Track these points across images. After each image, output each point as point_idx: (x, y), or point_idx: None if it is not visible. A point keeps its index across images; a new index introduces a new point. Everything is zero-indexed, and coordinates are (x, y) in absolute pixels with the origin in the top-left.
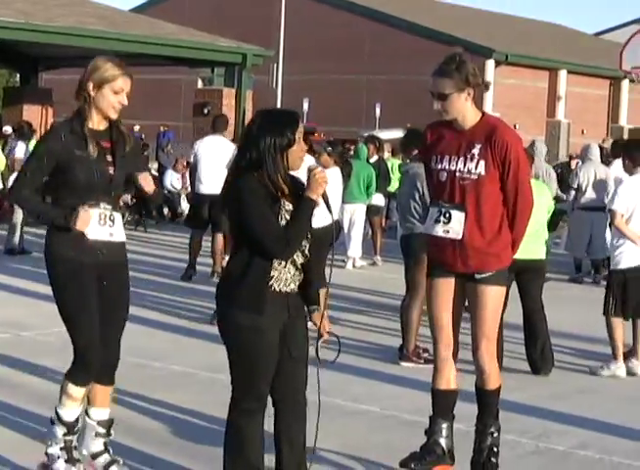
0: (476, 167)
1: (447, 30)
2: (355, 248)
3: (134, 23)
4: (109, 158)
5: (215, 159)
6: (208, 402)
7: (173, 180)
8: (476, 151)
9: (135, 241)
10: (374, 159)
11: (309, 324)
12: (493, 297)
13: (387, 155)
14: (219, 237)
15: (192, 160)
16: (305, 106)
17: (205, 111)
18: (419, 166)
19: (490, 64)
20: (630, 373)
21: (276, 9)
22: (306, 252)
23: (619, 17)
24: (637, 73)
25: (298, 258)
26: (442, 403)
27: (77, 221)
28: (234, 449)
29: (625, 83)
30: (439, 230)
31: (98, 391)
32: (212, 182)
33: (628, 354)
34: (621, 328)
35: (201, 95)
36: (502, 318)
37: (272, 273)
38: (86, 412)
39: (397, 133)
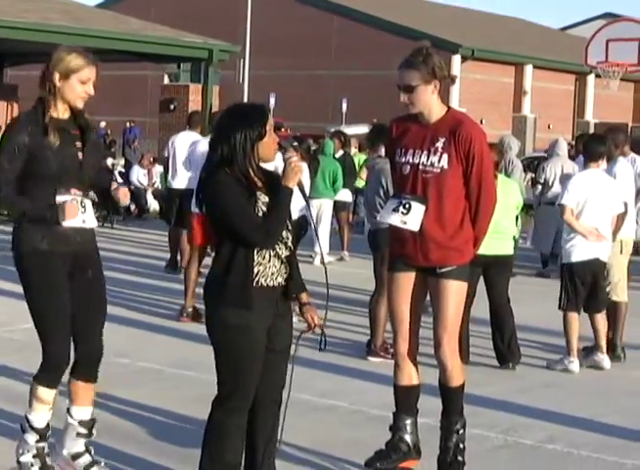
0: (439, 161)
1: (414, 26)
2: (323, 243)
3: (99, 18)
4: (78, 144)
5: (189, 154)
6: (175, 399)
7: (140, 176)
8: (440, 144)
9: (102, 237)
10: (339, 154)
11: (294, 320)
12: (455, 292)
13: (353, 150)
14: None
15: (166, 154)
16: (272, 101)
17: (172, 107)
18: (385, 162)
19: (457, 59)
20: (597, 367)
21: (242, 4)
22: (289, 244)
23: (585, 12)
24: (602, 68)
25: (282, 251)
26: (405, 399)
27: (65, 214)
28: (214, 447)
29: (591, 78)
30: (397, 220)
31: (80, 388)
32: (185, 177)
33: (593, 349)
34: (576, 323)
35: (167, 91)
36: (469, 313)
37: (257, 268)
38: (67, 411)
39: (364, 128)
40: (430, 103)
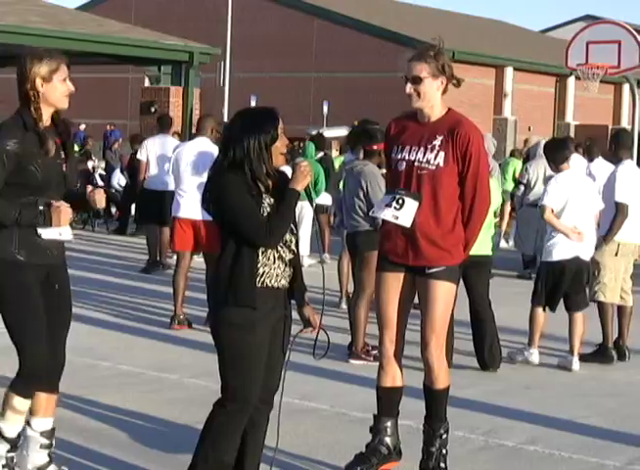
0: (435, 158)
1: (394, 28)
2: (303, 246)
3: (80, 21)
4: (62, 154)
5: (164, 157)
6: (156, 402)
7: (121, 179)
8: (437, 142)
9: (82, 240)
10: (319, 155)
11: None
12: (444, 293)
13: (334, 153)
14: (166, 231)
15: (141, 157)
16: (253, 104)
17: (153, 109)
18: (364, 165)
19: None
20: (565, 368)
21: (223, 6)
22: (293, 247)
23: (565, 14)
24: (583, 70)
25: (286, 254)
26: (387, 401)
27: (60, 219)
28: (212, 448)
29: (571, 80)
30: (388, 215)
31: (44, 400)
32: (161, 179)
33: (597, 352)
34: (543, 318)
35: (147, 93)
36: (452, 315)
37: (262, 269)
38: (27, 423)
39: (344, 131)
40: (433, 98)
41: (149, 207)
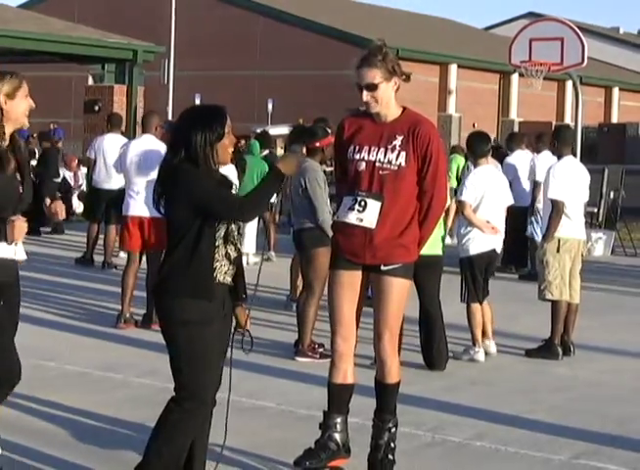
0: (396, 158)
1: (339, 26)
2: (249, 243)
3: (22, 19)
4: (18, 176)
5: (113, 156)
6: (102, 402)
7: (66, 178)
8: (397, 142)
9: (29, 240)
10: (264, 153)
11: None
12: (399, 290)
13: (279, 151)
14: (112, 230)
15: (91, 156)
16: (197, 102)
17: (96, 108)
18: (303, 162)
19: None
20: (485, 352)
21: (166, 4)
22: (239, 246)
23: (508, 11)
24: (526, 67)
25: (232, 252)
26: (338, 398)
27: (14, 232)
28: (166, 445)
29: (515, 77)
30: (353, 218)
31: None
32: (110, 178)
33: (542, 347)
34: (480, 314)
35: (91, 92)
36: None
37: (215, 264)
38: None
39: (290, 129)
40: (389, 100)
41: (94, 204)
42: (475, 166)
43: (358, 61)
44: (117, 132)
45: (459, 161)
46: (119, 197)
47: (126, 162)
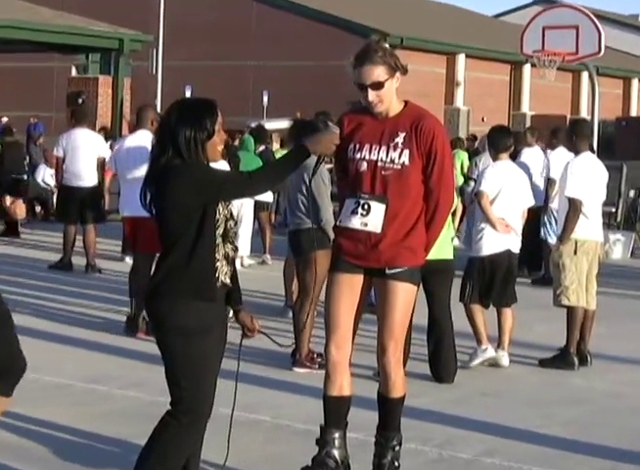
0: (399, 157)
1: (339, 13)
2: (244, 245)
3: (5, 6)
4: None
5: (84, 152)
6: (84, 415)
7: (46, 176)
8: (400, 139)
9: (5, 241)
10: (259, 149)
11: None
12: (404, 295)
13: (275, 146)
14: (91, 229)
15: (59, 154)
16: (188, 94)
17: (80, 100)
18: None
19: None
20: (495, 364)
21: None
22: (236, 244)
23: None
24: (539, 57)
25: (230, 252)
26: (335, 411)
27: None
28: (159, 462)
29: (527, 68)
30: (357, 223)
31: None
32: (81, 175)
33: (556, 356)
34: (481, 313)
35: (74, 83)
36: (411, 321)
37: (216, 264)
38: None
39: (286, 123)
40: (392, 97)
41: (67, 204)
42: (494, 161)
43: (356, 59)
44: (84, 127)
45: (462, 156)
46: (94, 194)
47: (120, 159)
